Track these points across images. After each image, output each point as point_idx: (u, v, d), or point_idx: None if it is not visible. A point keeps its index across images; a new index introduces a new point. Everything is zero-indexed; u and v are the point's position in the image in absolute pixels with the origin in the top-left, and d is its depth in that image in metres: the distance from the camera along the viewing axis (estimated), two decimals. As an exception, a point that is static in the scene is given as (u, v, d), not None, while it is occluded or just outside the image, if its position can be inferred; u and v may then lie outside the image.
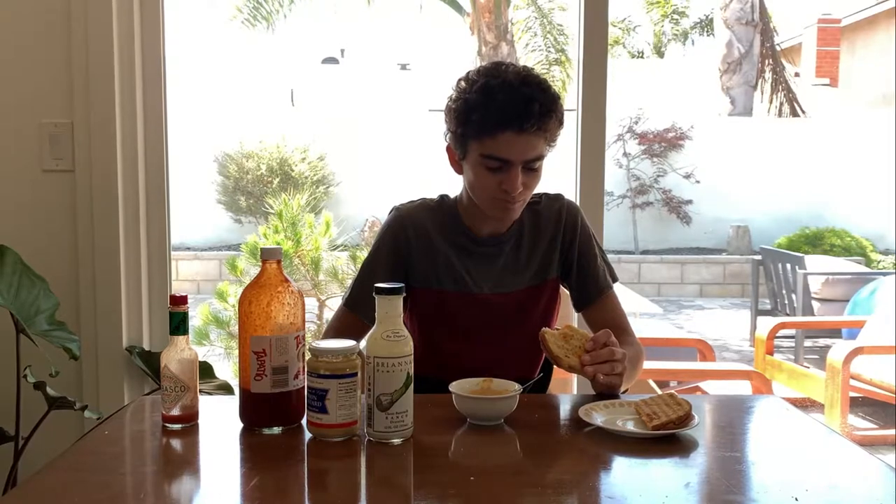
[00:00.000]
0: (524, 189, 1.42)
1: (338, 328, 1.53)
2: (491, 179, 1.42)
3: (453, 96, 1.44)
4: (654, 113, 9.66)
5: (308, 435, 1.18)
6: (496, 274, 1.53)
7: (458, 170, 1.50)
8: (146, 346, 2.08)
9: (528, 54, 10.07)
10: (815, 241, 8.08)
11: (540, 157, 1.42)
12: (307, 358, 1.18)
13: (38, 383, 1.77)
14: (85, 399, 1.98)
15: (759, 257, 6.54)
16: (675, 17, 13.72)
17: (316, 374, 1.15)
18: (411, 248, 1.52)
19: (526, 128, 1.36)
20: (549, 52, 10.03)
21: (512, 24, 10.02)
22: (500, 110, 1.36)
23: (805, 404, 3.85)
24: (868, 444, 3.66)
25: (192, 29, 10.03)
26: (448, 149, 1.49)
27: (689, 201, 9.45)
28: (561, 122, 1.43)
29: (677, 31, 14.41)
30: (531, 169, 1.42)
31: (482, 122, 1.38)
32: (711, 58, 11.83)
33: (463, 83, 1.43)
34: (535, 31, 10.11)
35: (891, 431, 3.82)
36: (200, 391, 1.26)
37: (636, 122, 9.63)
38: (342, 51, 13.72)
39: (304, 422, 1.20)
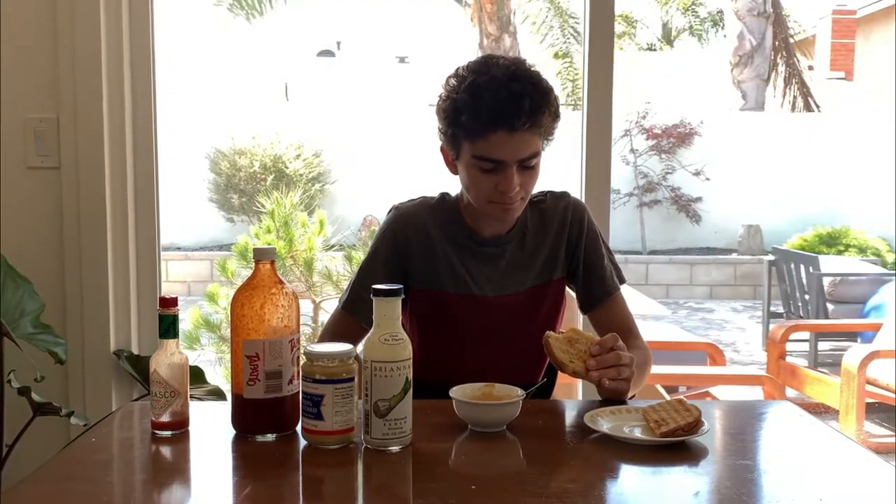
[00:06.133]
0: (521, 188, 1.40)
1: (334, 331, 1.51)
2: (486, 180, 1.39)
3: (443, 95, 1.41)
4: (663, 107, 9.52)
5: (303, 442, 1.16)
6: (499, 274, 1.51)
7: (454, 170, 1.48)
8: (135, 350, 2.05)
9: (535, 46, 10.02)
10: (830, 241, 7.99)
11: (536, 154, 1.39)
12: (302, 362, 1.16)
13: (23, 388, 1.74)
14: (71, 405, 1.94)
15: (771, 258, 6.44)
16: (694, 8, 13.60)
17: (311, 379, 1.13)
18: (411, 249, 1.50)
19: (517, 126, 1.34)
20: (568, 41, 9.95)
21: (514, 15, 9.99)
22: (489, 110, 1.34)
23: (819, 410, 3.79)
24: (884, 451, 3.61)
25: (183, 21, 10.01)
26: (442, 149, 1.47)
27: (699, 199, 9.29)
28: (556, 115, 1.40)
29: (698, 28, 14.29)
30: (527, 167, 1.39)
31: (472, 124, 1.35)
32: (722, 51, 11.76)
33: (452, 81, 1.41)
34: (550, 24, 10.04)
35: (907, 438, 3.81)
36: (191, 397, 1.24)
37: (643, 117, 9.45)
38: (338, 43, 13.67)
39: (298, 428, 1.19)
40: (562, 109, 1.43)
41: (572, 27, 9.91)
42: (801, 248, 7.69)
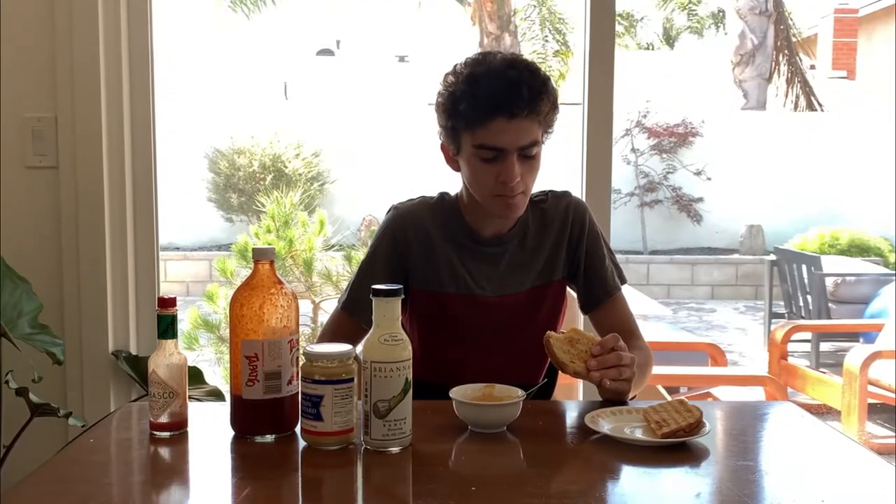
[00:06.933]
0: (522, 179, 1.40)
1: (334, 332, 1.50)
2: (488, 172, 1.39)
3: (441, 90, 1.42)
4: (664, 107, 9.48)
5: (302, 443, 1.16)
6: (499, 275, 1.50)
7: (455, 167, 1.47)
8: (133, 351, 2.04)
9: (524, 43, 10.00)
10: (833, 242, 7.93)
11: (536, 143, 1.39)
12: (301, 363, 1.16)
13: (21, 389, 1.73)
14: (69, 406, 1.93)
15: (773, 258, 6.41)
16: (692, 5, 13.57)
17: (310, 380, 1.12)
18: (411, 249, 1.49)
19: (516, 112, 1.34)
20: (547, 41, 9.95)
21: (515, 13, 9.97)
22: (488, 97, 1.34)
23: (821, 411, 3.78)
24: (886, 452, 3.60)
25: (182, 20, 9.99)
26: (442, 146, 1.47)
27: (700, 199, 9.26)
28: (555, 106, 1.40)
29: (695, 26, 14.26)
30: (528, 156, 1.39)
31: (471, 112, 1.36)
32: (723, 50, 11.73)
33: (450, 76, 1.42)
34: (532, 20, 10.01)
35: (910, 440, 3.79)
36: (190, 397, 1.23)
37: (644, 117, 9.41)
38: (338, 42, 13.64)
39: (297, 429, 1.18)
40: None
41: (552, 25, 9.88)
42: (806, 249, 7.64)
